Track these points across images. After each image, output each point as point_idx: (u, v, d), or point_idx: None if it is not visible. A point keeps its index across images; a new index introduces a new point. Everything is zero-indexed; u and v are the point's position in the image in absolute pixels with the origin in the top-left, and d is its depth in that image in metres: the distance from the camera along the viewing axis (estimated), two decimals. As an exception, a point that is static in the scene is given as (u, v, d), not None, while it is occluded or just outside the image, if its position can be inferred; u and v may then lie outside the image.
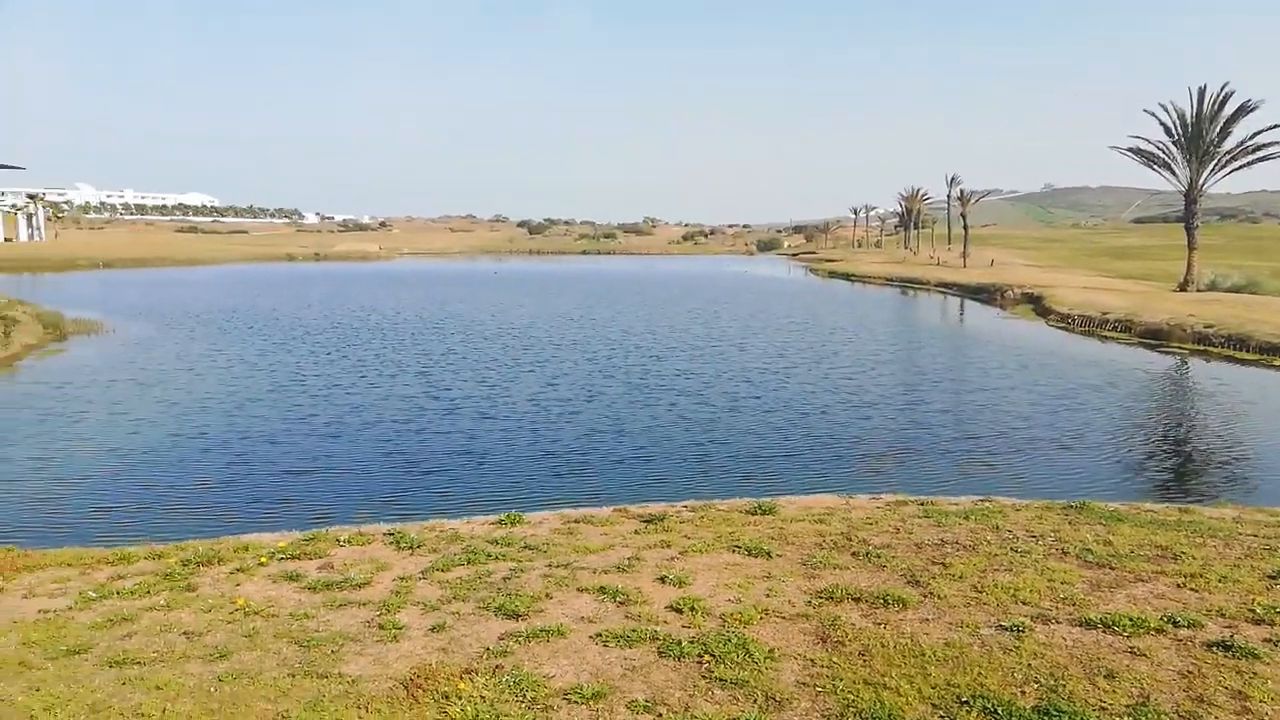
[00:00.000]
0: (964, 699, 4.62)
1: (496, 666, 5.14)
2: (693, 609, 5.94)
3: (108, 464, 14.07)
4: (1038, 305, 41.22)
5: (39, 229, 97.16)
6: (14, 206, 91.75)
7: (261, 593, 6.59)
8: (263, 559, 7.38)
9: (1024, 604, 5.93)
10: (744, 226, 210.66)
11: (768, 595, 6.21)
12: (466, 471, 13.70)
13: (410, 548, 7.64)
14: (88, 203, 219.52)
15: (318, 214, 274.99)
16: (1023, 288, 46.95)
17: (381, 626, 5.81)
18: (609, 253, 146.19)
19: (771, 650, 5.29)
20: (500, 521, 8.48)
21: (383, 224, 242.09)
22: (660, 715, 4.59)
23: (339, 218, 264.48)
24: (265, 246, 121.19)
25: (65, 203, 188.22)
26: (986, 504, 8.95)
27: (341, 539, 7.96)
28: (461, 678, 4.98)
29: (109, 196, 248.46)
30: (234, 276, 69.22)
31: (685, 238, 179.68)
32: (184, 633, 5.80)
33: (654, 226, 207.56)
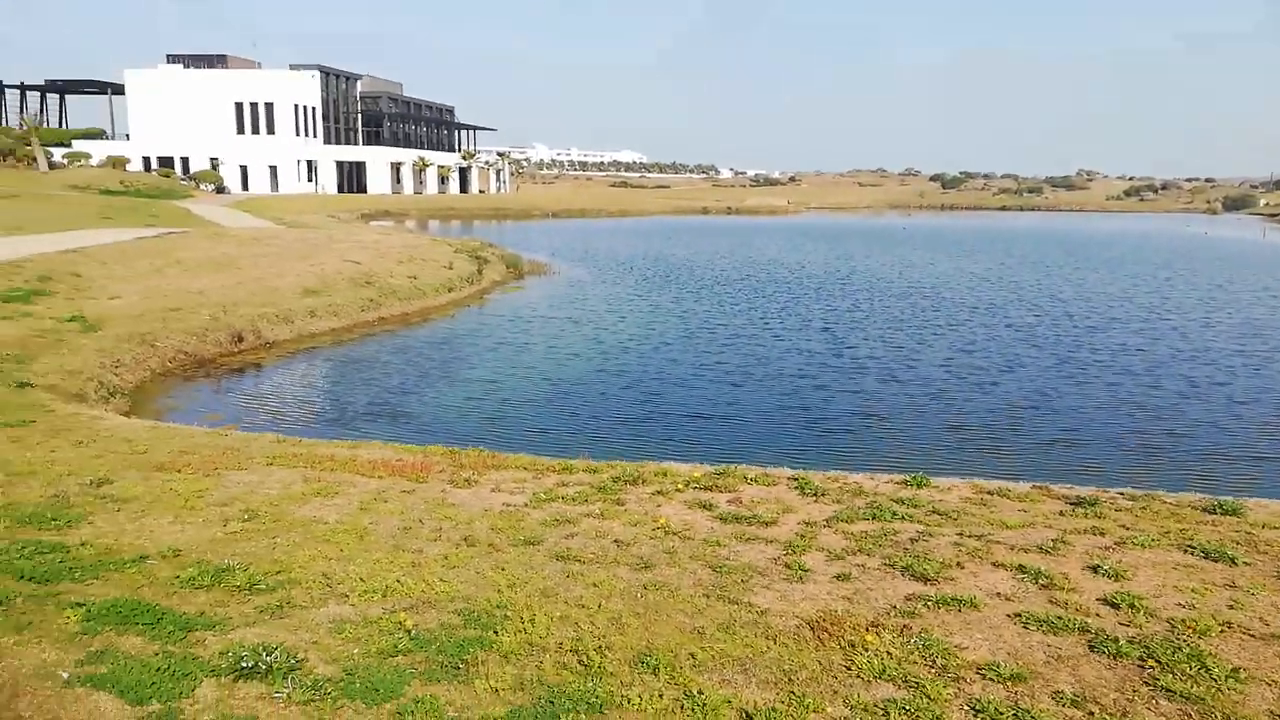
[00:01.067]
0: None
1: (904, 626, 5.01)
2: (1132, 606, 5.25)
3: (545, 390, 16.06)
4: None
5: (505, 182, 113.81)
6: (487, 163, 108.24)
7: (679, 515, 7.10)
8: (679, 485, 7.96)
9: None
10: (1205, 181, 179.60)
11: (1230, 607, 5.28)
12: (867, 432, 13.50)
13: (814, 495, 7.73)
14: (541, 160, 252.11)
15: (731, 169, 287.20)
16: None
17: (788, 566, 5.96)
18: (1033, 208, 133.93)
19: (1236, 669, 4.50)
20: (905, 482, 8.23)
21: (792, 179, 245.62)
22: (1092, 714, 4.14)
23: (751, 172, 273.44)
24: (684, 200, 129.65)
25: (524, 159, 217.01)
26: None
27: (749, 477, 8.29)
28: (868, 630, 4.93)
29: (558, 154, 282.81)
30: (656, 227, 75.14)
31: (1127, 193, 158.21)
32: (615, 541, 6.46)
33: (1089, 180, 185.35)
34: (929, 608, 5.27)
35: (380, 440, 10.45)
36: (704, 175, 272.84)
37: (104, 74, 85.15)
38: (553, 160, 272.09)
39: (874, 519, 7.00)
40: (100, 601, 4.77)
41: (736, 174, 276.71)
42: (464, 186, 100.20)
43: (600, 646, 4.70)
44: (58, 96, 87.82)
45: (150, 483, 7.47)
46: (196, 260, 24.00)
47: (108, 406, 12.89)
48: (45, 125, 77.85)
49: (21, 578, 5.09)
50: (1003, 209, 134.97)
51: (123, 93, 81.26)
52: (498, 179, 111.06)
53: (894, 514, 7.14)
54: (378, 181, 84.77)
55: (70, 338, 15.56)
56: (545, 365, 18.22)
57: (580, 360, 18.74)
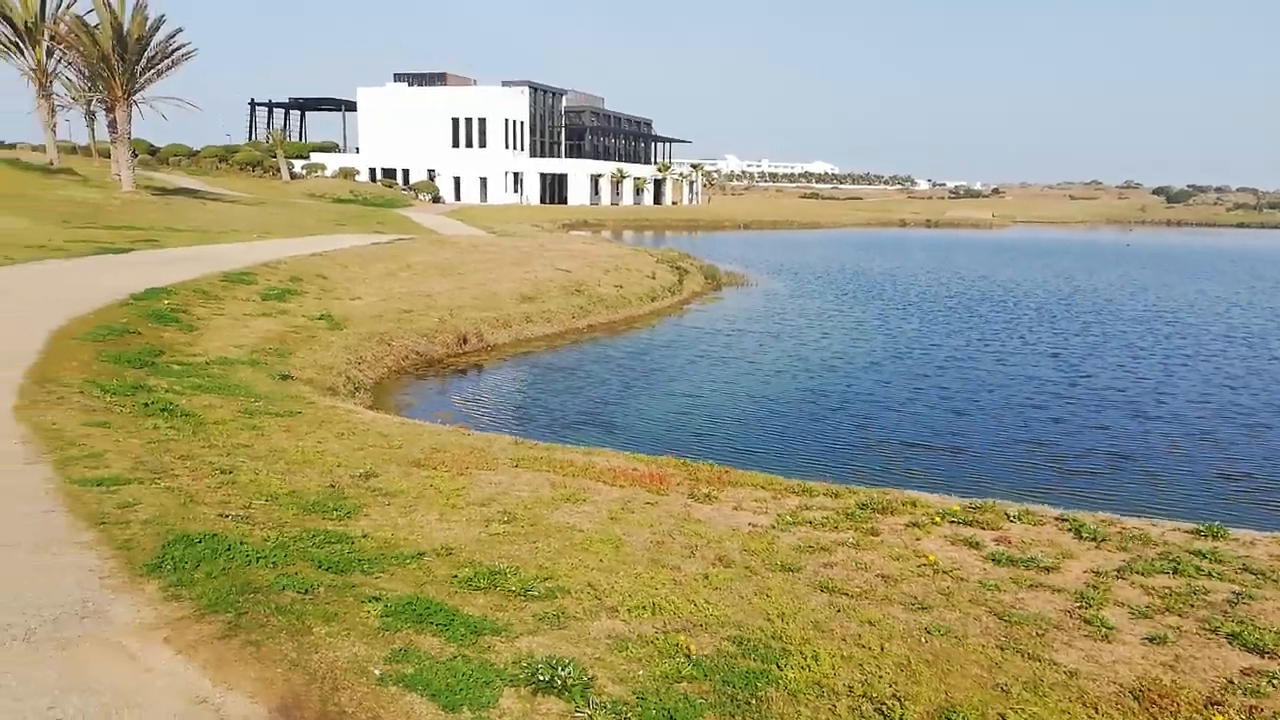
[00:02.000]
0: None
1: (1251, 708, 4.32)
2: None
3: (749, 408, 15.63)
4: None
5: (697, 194, 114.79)
6: (681, 175, 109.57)
7: (943, 552, 6.60)
8: (934, 518, 7.43)
9: None
10: None
11: None
12: (1121, 474, 12.24)
13: (1092, 539, 6.98)
14: (731, 171, 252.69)
15: (929, 180, 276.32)
16: None
17: (1086, 621, 5.34)
18: (1275, 226, 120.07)
19: None
20: (1198, 532, 7.29)
21: (995, 190, 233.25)
22: None
23: (950, 184, 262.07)
24: (879, 212, 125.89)
25: (715, 171, 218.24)
26: None
27: (1010, 514, 7.62)
28: (1208, 708, 4.28)
29: (748, 166, 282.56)
30: (851, 240, 73.24)
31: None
32: (879, 575, 6.06)
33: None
34: (1276, 686, 4.53)
35: (599, 447, 10.50)
36: (899, 186, 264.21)
37: (340, 92, 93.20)
38: (743, 171, 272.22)
39: (1175, 573, 6.20)
40: (394, 597, 4.91)
41: (934, 185, 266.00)
42: (658, 198, 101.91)
43: (896, 695, 4.34)
44: (299, 113, 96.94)
45: (411, 479, 7.79)
46: (424, 265, 25.52)
47: (355, 400, 13.80)
48: (288, 139, 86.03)
49: (320, 566, 5.35)
50: (1240, 226, 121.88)
51: (355, 109, 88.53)
52: (690, 191, 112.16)
53: (1197, 569, 6.30)
54: (578, 193, 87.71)
55: (320, 334, 16.85)
56: (748, 381, 17.88)
57: (784, 378, 18.26)
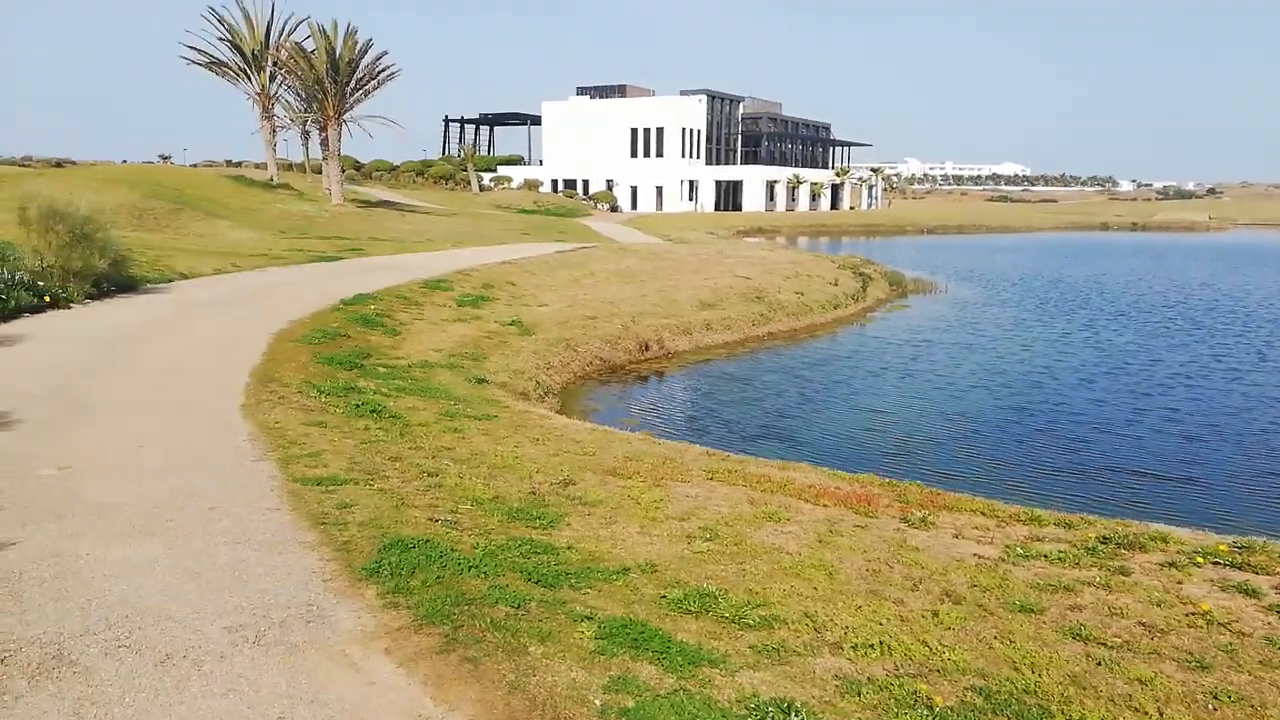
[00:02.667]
0: None
1: None
2: None
3: (942, 426, 14.53)
4: None
5: (876, 198, 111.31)
6: (860, 179, 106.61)
7: (1213, 599, 5.70)
8: (1194, 558, 6.48)
9: None
10: None
11: None
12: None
13: (1404, 595, 5.84)
14: (912, 175, 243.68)
15: (1133, 181, 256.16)
16: None
17: None
18: None
19: None
20: None
21: (1210, 190, 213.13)
22: None
23: (1158, 184, 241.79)
24: (1077, 215, 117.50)
25: (895, 175, 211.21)
26: None
27: (1288, 558, 6.54)
28: None
29: (931, 169, 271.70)
30: (1047, 244, 68.56)
31: None
32: (1139, 623, 5.29)
33: None
34: None
35: (789, 460, 10.01)
36: (1099, 188, 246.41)
37: (525, 107, 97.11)
38: (924, 175, 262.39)
39: None
40: (606, 618, 4.70)
41: (1139, 186, 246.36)
42: (835, 203, 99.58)
43: (1191, 777, 3.66)
44: (489, 128, 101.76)
45: (608, 487, 7.64)
46: (606, 273, 25.85)
47: (545, 404, 13.98)
48: (478, 153, 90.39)
49: (529, 579, 5.22)
50: None
51: (539, 123, 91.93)
52: (869, 195, 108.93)
53: None
54: (752, 199, 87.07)
55: (511, 340, 17.28)
56: (939, 396, 16.76)
57: (982, 394, 16.95)
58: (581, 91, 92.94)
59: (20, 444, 7.43)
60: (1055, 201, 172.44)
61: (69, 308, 14.75)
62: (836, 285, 28.46)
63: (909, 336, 23.52)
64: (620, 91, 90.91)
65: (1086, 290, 34.65)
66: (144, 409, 8.90)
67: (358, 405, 10.04)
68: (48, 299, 14.43)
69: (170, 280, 18.59)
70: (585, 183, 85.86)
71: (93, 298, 15.60)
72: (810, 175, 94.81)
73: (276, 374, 11.17)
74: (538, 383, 15.14)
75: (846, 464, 11.79)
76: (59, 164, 79.85)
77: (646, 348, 19.84)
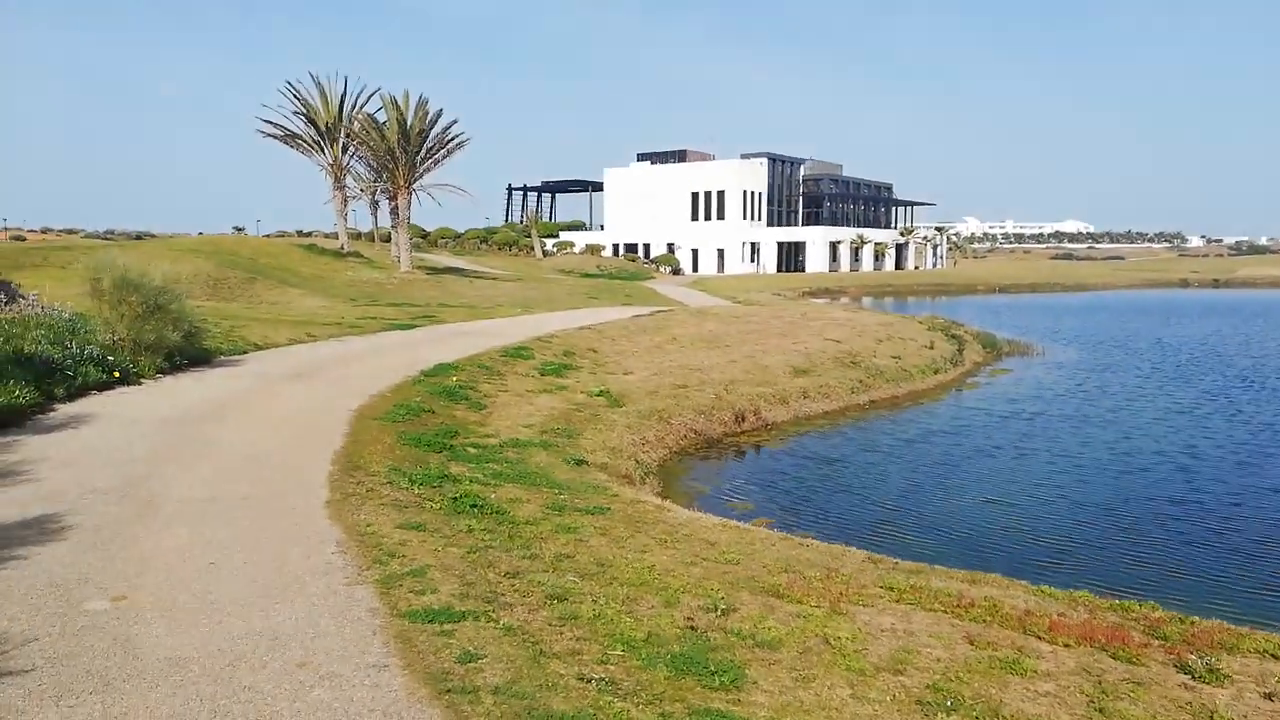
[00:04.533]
0: None
1: None
2: None
3: (1077, 518, 12.42)
4: None
5: (941, 257, 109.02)
6: (925, 238, 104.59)
7: None
8: None
9: None
10: None
11: None
12: None
13: None
14: (972, 233, 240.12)
15: (1203, 236, 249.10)
16: None
17: None
18: None
19: None
20: None
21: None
22: None
23: (1228, 239, 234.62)
24: (1151, 272, 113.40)
25: (955, 234, 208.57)
26: None
27: None
28: None
29: (990, 227, 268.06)
30: (1130, 303, 65.56)
31: None
32: None
33: None
34: None
35: (963, 570, 8.36)
36: (1167, 244, 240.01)
37: (585, 173, 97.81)
38: (985, 233, 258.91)
39: None
40: None
41: (1209, 241, 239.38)
42: (899, 263, 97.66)
43: None
44: (550, 195, 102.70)
45: (778, 616, 6.11)
46: (689, 337, 24.53)
47: (648, 487, 12.53)
48: (541, 220, 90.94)
49: (747, 790, 3.71)
50: None
51: (600, 189, 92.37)
52: (934, 254, 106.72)
53: None
54: (815, 259, 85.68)
55: (602, 412, 15.94)
56: (1068, 481, 14.25)
57: (1120, 478, 14.39)
58: (642, 158, 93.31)
59: (73, 561, 6.21)
60: (1122, 259, 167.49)
61: (140, 383, 13.86)
62: (933, 348, 26.69)
63: (1017, 407, 21.41)
64: (680, 156, 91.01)
65: (1196, 353, 32.20)
66: (217, 508, 7.68)
67: (455, 499, 8.71)
68: (117, 374, 13.55)
69: (245, 352, 17.75)
70: (646, 246, 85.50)
71: (165, 372, 14.72)
72: (874, 235, 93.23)
73: (361, 459, 9.94)
74: (637, 461, 13.70)
75: (994, 564, 10.04)
76: (139, 236, 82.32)
77: (742, 419, 18.32)
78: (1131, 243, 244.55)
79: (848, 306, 43.45)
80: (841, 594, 6.68)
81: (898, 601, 6.63)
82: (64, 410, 11.56)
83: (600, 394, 17.16)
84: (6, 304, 14.79)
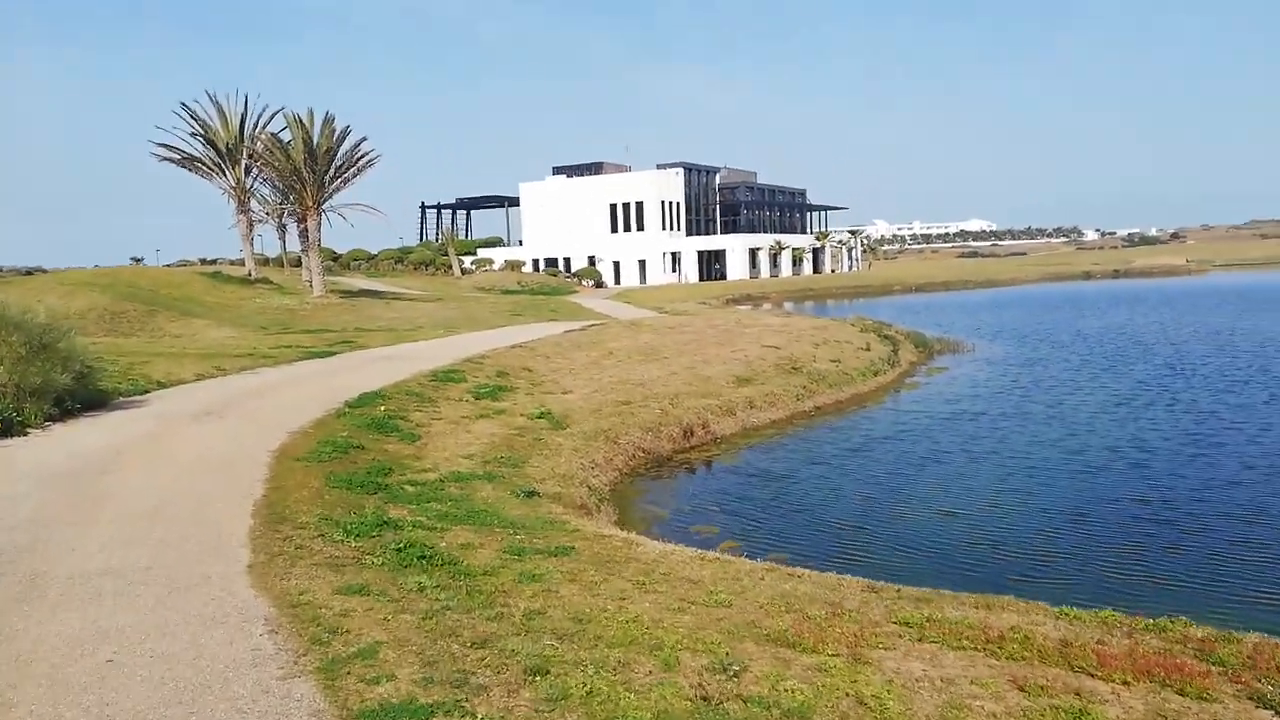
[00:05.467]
0: None
1: None
2: None
3: (1037, 526, 11.94)
4: None
5: (856, 260, 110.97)
6: (840, 242, 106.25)
7: None
8: None
9: None
10: None
11: None
12: None
13: None
14: (882, 235, 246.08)
15: (1098, 230, 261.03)
16: None
17: None
18: None
19: None
20: None
21: (1174, 235, 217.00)
22: None
23: (1121, 232, 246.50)
24: (1057, 265, 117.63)
25: (865, 236, 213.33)
26: None
27: None
28: None
29: (899, 229, 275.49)
30: (1040, 297, 67.42)
31: None
32: None
33: None
34: None
35: (973, 594, 7.70)
36: (1065, 239, 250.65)
37: (500, 189, 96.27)
38: (894, 235, 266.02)
39: None
40: None
41: (1103, 234, 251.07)
42: (816, 267, 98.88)
43: None
44: (465, 212, 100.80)
45: (794, 671, 5.28)
46: (625, 351, 23.69)
47: (604, 515, 11.60)
48: (457, 237, 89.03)
49: None
50: None
51: (516, 204, 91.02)
52: (849, 257, 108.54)
53: None
54: (736, 267, 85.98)
55: (545, 435, 14.95)
56: (1026, 484, 13.66)
57: (1075, 479, 14.07)
58: (558, 171, 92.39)
59: (-70, 668, 4.98)
60: (1025, 254, 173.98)
61: (25, 434, 12.28)
62: (869, 350, 26.46)
63: (959, 408, 20.95)
64: (597, 169, 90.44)
65: (1118, 343, 32.89)
66: (117, 584, 6.46)
67: (399, 550, 7.65)
68: (-3, 425, 11.97)
69: (147, 391, 16.15)
70: (567, 260, 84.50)
71: (55, 419, 13.13)
72: (791, 240, 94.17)
73: (286, 509, 8.77)
74: (589, 488, 12.76)
75: (977, 581, 9.44)
76: (29, 272, 77.35)
77: (690, 433, 17.54)
78: (1032, 239, 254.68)
79: (777, 312, 43.27)
80: (857, 636, 5.90)
81: (920, 640, 5.88)
82: (-69, 471, 10.02)
83: (541, 416, 16.16)
84: None
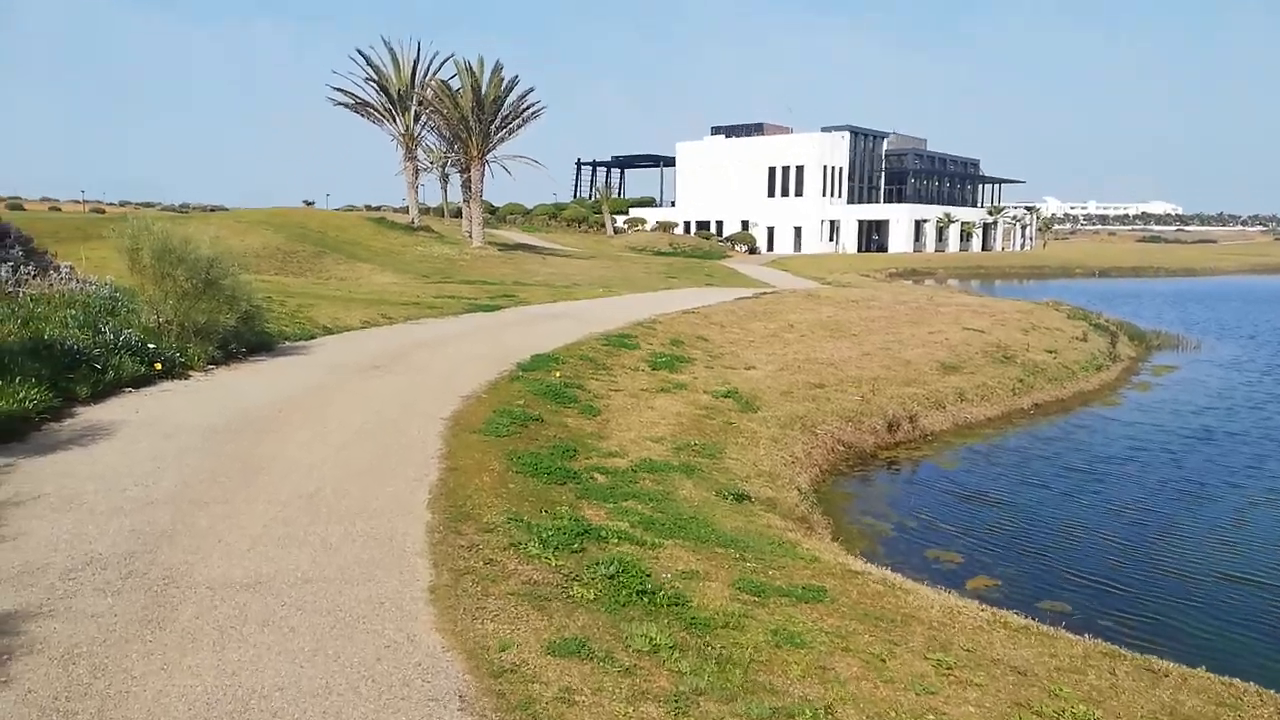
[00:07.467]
0: None
1: None
2: None
3: None
4: None
5: (1030, 238, 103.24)
6: (1014, 218, 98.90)
7: None
8: None
9: None
10: None
11: None
12: None
13: None
14: (1053, 214, 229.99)
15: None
16: None
17: None
18: None
19: None
20: None
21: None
22: None
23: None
24: (1257, 256, 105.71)
25: (1038, 214, 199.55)
26: None
27: None
28: None
29: (1072, 209, 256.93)
30: (1243, 290, 59.86)
31: None
32: None
33: None
34: None
35: None
36: (1262, 227, 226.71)
37: (657, 148, 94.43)
38: (1065, 214, 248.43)
39: None
40: None
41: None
42: (985, 243, 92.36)
43: None
44: (620, 170, 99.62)
45: None
46: (807, 325, 21.40)
47: (824, 530, 9.56)
48: (610, 195, 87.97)
49: None
50: None
51: (672, 164, 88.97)
52: (1023, 235, 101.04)
53: None
54: (898, 239, 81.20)
55: (736, 419, 13.00)
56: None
57: None
58: (716, 131, 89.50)
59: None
60: (1215, 242, 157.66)
61: (187, 377, 11.33)
62: (1086, 341, 23.13)
63: (1208, 422, 17.31)
64: (758, 130, 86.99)
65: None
66: (264, 605, 4.95)
67: (610, 577, 5.88)
68: (159, 365, 11.03)
69: (313, 336, 15.20)
70: (719, 224, 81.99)
71: (217, 362, 12.19)
72: (961, 214, 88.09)
73: (468, 500, 7.16)
74: (800, 490, 10.73)
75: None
76: (213, 209, 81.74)
77: (896, 427, 15.19)
78: (1224, 226, 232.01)
79: (963, 290, 39.65)
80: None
81: None
82: (84, 416, 9.03)
83: (728, 395, 14.20)
84: (35, 277, 12.40)
